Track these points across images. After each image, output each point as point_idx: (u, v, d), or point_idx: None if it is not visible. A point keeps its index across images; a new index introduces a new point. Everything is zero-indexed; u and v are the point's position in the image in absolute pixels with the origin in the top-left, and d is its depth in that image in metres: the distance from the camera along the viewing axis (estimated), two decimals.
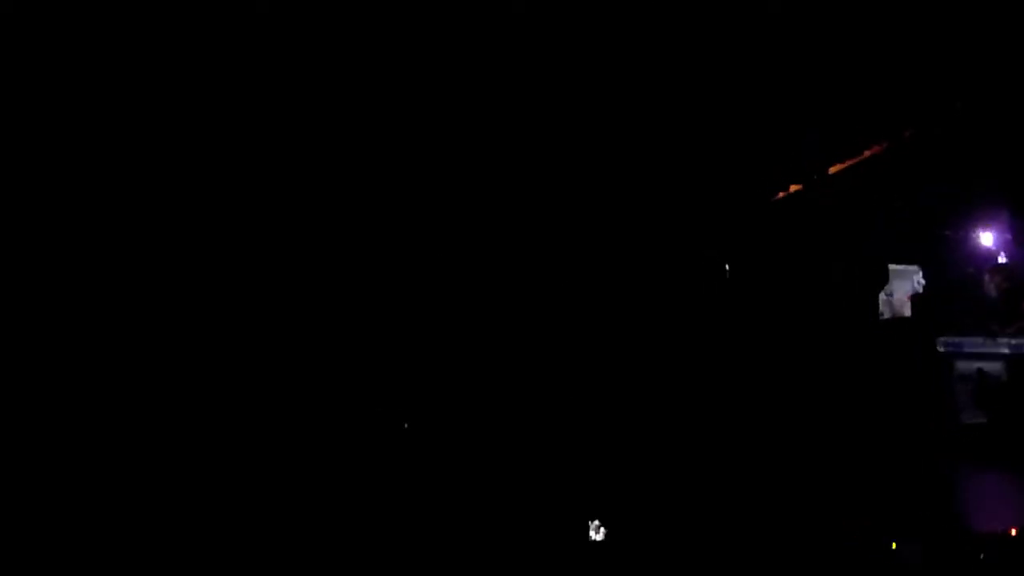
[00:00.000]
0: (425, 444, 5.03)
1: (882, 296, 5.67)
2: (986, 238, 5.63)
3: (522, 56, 5.05)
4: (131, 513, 4.59)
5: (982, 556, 4.51)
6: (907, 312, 5.68)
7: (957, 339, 5.45)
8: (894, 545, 4.56)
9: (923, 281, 5.68)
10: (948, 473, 5.11)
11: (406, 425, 5.02)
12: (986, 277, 5.65)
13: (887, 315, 5.67)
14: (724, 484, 5.02)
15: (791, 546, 4.69)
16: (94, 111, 4.97)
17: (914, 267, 5.71)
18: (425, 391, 5.15)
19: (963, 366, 5.41)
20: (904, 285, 5.70)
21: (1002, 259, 5.59)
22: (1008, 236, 5.59)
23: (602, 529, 4.75)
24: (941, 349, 5.45)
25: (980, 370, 5.39)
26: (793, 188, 5.71)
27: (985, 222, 5.62)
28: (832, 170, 5.58)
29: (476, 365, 5.23)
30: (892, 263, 5.69)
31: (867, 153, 5.49)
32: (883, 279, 5.63)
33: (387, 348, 5.19)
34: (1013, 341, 5.38)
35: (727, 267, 5.72)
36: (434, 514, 4.76)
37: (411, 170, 5.29)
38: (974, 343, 5.43)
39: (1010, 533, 4.66)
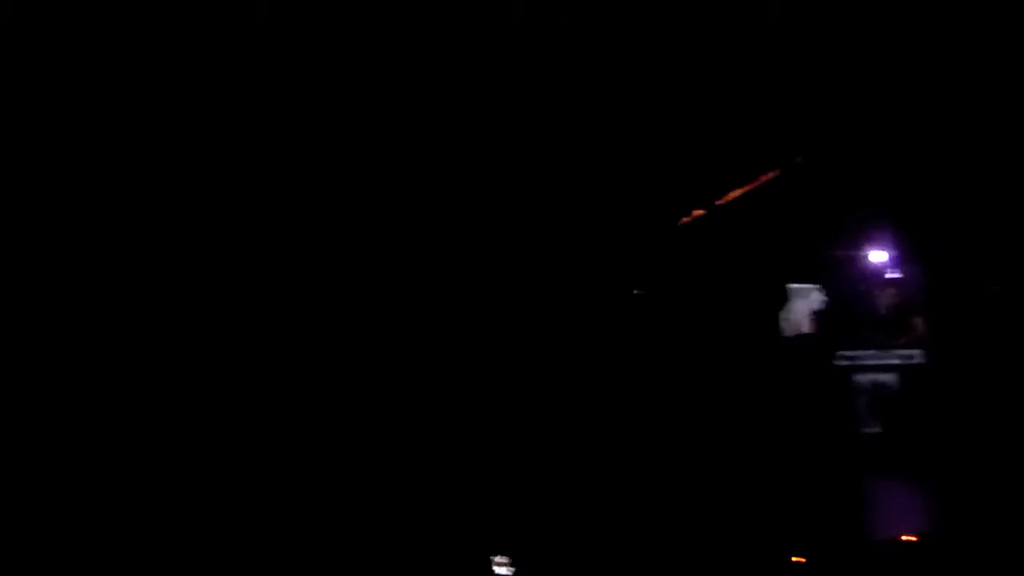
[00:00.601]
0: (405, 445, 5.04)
1: (782, 314, 5.93)
2: (876, 256, 5.93)
3: None
4: (131, 513, 4.56)
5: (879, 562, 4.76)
6: (807, 329, 5.96)
7: (853, 353, 5.76)
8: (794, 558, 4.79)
9: (821, 299, 5.96)
10: (848, 481, 5.37)
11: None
12: (878, 293, 5.97)
13: (788, 332, 5.93)
14: (630, 501, 5.17)
15: (697, 560, 4.87)
16: (94, 111, 4.94)
17: (812, 286, 5.98)
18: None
19: (860, 378, 5.72)
20: (804, 303, 5.97)
21: (890, 276, 5.91)
22: (895, 254, 5.90)
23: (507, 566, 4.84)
24: (839, 363, 5.76)
25: (875, 381, 5.70)
26: (696, 213, 5.94)
27: (874, 242, 5.93)
28: (731, 195, 5.83)
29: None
30: (792, 283, 5.96)
31: (763, 179, 5.75)
32: (783, 298, 5.90)
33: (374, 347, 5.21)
34: (904, 352, 5.71)
35: (635, 291, 5.91)
36: (430, 512, 4.79)
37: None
38: (869, 356, 5.74)
39: (902, 539, 4.93)
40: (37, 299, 4.87)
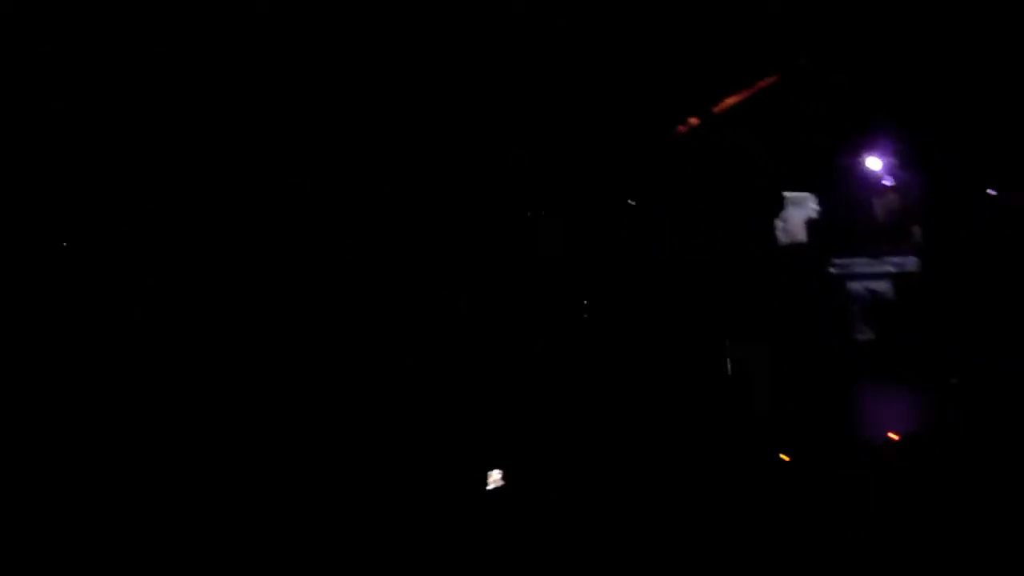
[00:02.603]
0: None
1: (778, 223, 5.93)
2: (873, 164, 5.90)
3: None
4: (131, 513, 4.60)
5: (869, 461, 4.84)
6: (802, 237, 5.96)
7: (848, 260, 5.77)
8: (786, 458, 4.87)
9: (817, 207, 5.95)
10: (842, 386, 5.44)
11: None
12: (874, 200, 5.95)
13: (784, 240, 5.94)
14: (637, 400, 5.22)
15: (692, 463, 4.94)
16: (94, 111, 4.89)
17: (808, 194, 5.97)
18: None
19: (854, 286, 5.75)
20: (799, 212, 5.96)
21: (888, 183, 5.89)
22: (893, 161, 5.87)
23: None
24: (833, 271, 5.77)
25: (869, 289, 5.72)
26: (692, 121, 5.88)
27: (872, 149, 5.90)
28: (728, 102, 5.76)
29: None
30: (787, 191, 5.94)
31: (760, 84, 5.68)
32: (779, 206, 5.88)
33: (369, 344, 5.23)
34: (897, 260, 5.72)
35: (632, 203, 5.89)
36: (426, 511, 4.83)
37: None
38: (863, 264, 5.76)
39: (892, 438, 5.01)
40: (37, 299, 4.84)
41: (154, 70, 4.95)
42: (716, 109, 5.82)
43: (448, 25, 5.15)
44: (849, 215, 5.93)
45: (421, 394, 5.11)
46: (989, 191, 5.56)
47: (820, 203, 5.90)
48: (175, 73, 4.98)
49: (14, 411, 4.69)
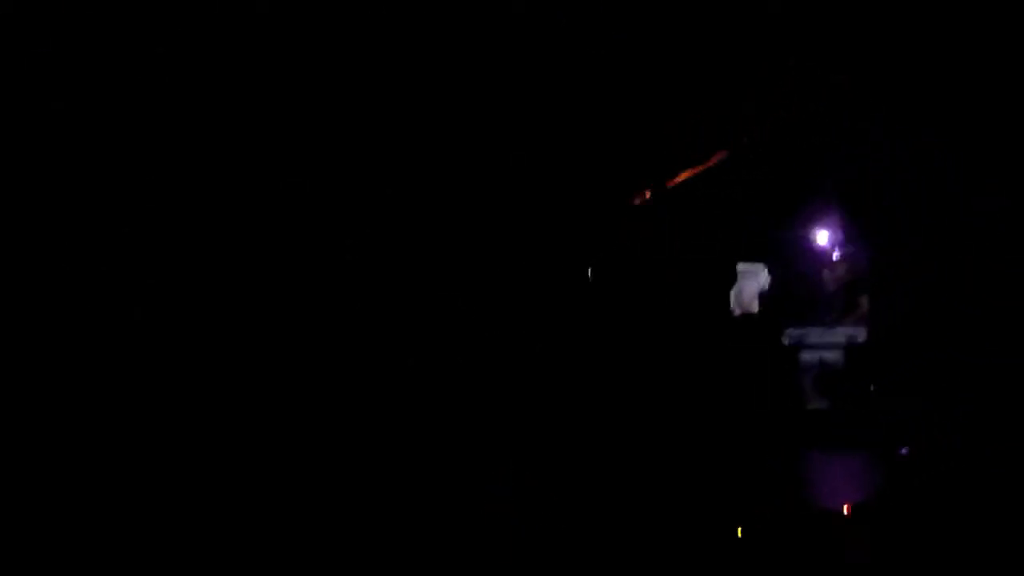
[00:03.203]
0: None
1: (732, 293, 6.02)
2: (822, 236, 6.04)
3: None
4: (131, 513, 4.56)
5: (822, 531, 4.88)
6: (755, 308, 6.05)
7: (800, 331, 5.87)
8: (740, 532, 4.90)
9: (769, 278, 6.05)
10: (794, 456, 5.49)
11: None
12: (825, 272, 6.07)
13: (737, 311, 6.02)
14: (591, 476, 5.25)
15: (654, 536, 4.96)
16: (94, 111, 4.90)
17: (760, 265, 6.08)
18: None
19: (806, 356, 5.84)
20: (751, 283, 6.06)
21: (836, 255, 6.01)
22: (840, 234, 6.01)
23: None
24: (786, 341, 5.87)
25: (821, 359, 5.81)
26: (646, 194, 6.00)
27: (820, 222, 6.03)
28: (681, 176, 5.90)
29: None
30: (739, 262, 6.05)
31: (712, 159, 5.83)
32: (732, 277, 5.99)
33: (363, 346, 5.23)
34: (849, 331, 5.82)
35: (588, 271, 5.96)
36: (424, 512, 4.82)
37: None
38: (815, 334, 5.86)
39: (844, 511, 5.06)
40: (37, 299, 4.85)
41: (154, 70, 4.96)
42: (669, 183, 5.96)
43: (448, 25, 5.21)
44: (801, 286, 6.04)
45: (421, 394, 5.11)
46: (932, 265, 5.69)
47: (772, 274, 6.01)
48: (175, 73, 5.00)
49: (14, 411, 4.64)
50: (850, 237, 5.96)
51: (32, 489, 4.47)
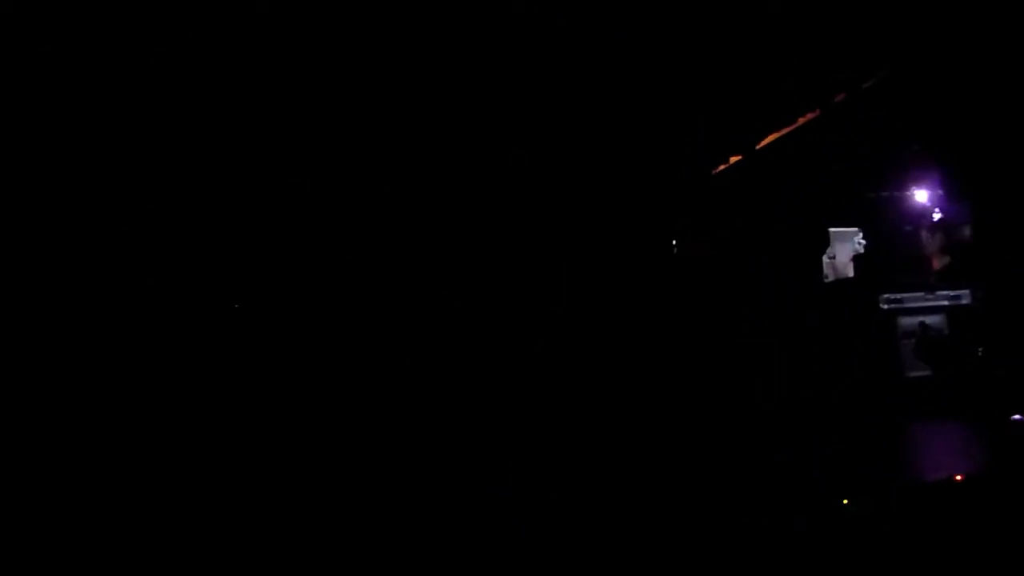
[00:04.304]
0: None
1: (825, 259, 5.82)
2: (921, 196, 5.78)
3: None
4: (131, 513, 4.62)
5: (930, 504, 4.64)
6: (850, 273, 5.83)
7: (898, 295, 5.61)
8: (845, 501, 4.69)
9: (863, 242, 5.83)
10: (896, 426, 5.26)
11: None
12: (924, 233, 5.81)
13: (831, 277, 5.81)
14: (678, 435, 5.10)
15: (740, 507, 4.80)
16: (94, 111, 4.99)
17: (854, 229, 5.85)
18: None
19: (905, 321, 5.58)
20: (846, 247, 5.85)
21: (936, 216, 5.75)
22: (941, 193, 5.74)
23: None
24: (884, 306, 5.62)
25: (922, 324, 5.55)
26: (733, 159, 5.83)
27: (919, 182, 5.78)
28: (769, 139, 5.71)
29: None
30: (832, 226, 5.84)
31: (801, 120, 5.62)
32: (825, 242, 5.78)
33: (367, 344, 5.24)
34: (951, 293, 5.55)
35: (674, 243, 5.83)
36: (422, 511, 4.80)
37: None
38: (915, 298, 5.60)
39: (956, 479, 4.80)
40: (36, 299, 4.92)
41: (154, 70, 5.00)
42: (758, 146, 5.77)
43: (448, 26, 5.14)
44: (897, 249, 5.80)
45: (421, 394, 5.07)
46: None
47: (867, 237, 5.78)
48: (175, 73, 5.03)
49: (14, 411, 4.72)
50: (951, 196, 5.69)
51: (32, 488, 4.50)
